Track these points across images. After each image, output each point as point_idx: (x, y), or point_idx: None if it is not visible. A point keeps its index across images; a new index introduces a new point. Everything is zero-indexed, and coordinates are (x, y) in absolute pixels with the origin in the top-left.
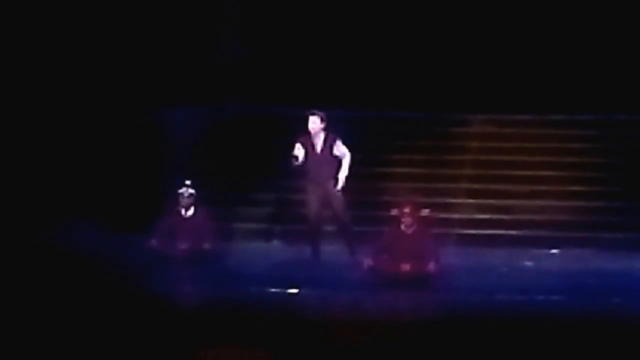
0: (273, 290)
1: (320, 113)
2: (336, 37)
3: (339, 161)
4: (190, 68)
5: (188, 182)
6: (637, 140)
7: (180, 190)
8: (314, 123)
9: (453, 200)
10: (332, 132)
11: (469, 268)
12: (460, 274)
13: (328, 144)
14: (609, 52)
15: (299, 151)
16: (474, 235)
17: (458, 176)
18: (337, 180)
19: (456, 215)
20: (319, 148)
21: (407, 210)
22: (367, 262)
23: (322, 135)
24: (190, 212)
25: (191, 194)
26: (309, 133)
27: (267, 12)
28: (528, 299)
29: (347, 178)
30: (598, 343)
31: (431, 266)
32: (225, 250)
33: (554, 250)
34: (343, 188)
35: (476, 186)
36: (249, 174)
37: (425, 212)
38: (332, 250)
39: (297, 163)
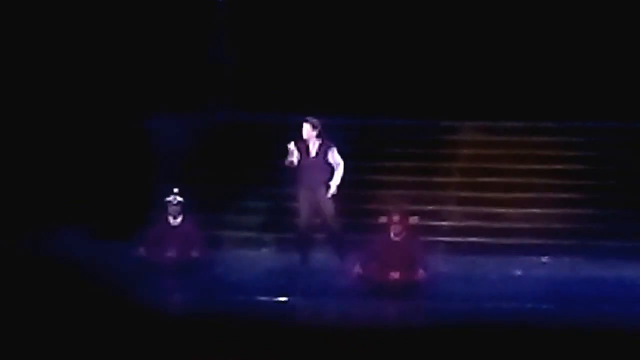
0: (262, 298)
1: (313, 120)
2: (324, 44)
3: (332, 169)
4: (179, 75)
5: (176, 190)
6: (627, 147)
7: (168, 198)
8: (307, 130)
9: (442, 208)
10: (328, 139)
11: (458, 276)
12: (450, 282)
13: (322, 151)
14: (598, 59)
15: (293, 152)
16: (463, 243)
17: (447, 184)
18: (328, 187)
19: (445, 223)
20: (312, 154)
21: (395, 218)
22: (356, 270)
23: (316, 142)
24: (179, 220)
25: (179, 202)
26: (304, 139)
27: (256, 21)
28: (517, 308)
29: (338, 186)
30: (588, 352)
31: (420, 274)
32: (213, 259)
33: (543, 258)
34: (334, 196)
35: (465, 194)
36: (238, 181)
37: (414, 219)
38: (321, 258)
39: (291, 159)
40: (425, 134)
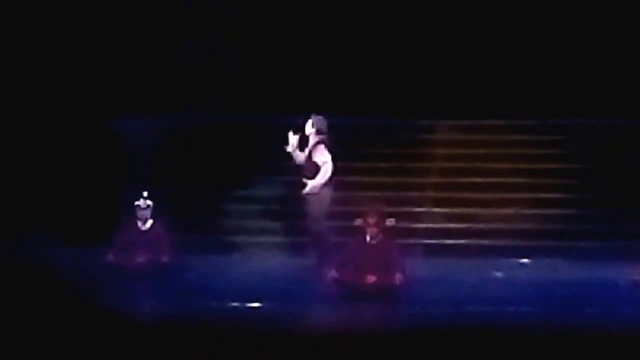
0: (234, 304)
1: (314, 117)
2: (298, 44)
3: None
4: (149, 76)
5: (145, 194)
6: (608, 145)
7: (137, 202)
8: (307, 127)
9: (419, 210)
10: (323, 137)
11: (436, 279)
12: (428, 286)
13: (312, 149)
14: (577, 56)
15: (293, 142)
16: (441, 245)
17: (424, 184)
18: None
19: (423, 225)
20: (307, 151)
21: (371, 220)
22: (331, 274)
23: (313, 140)
24: (148, 224)
25: (148, 206)
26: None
27: (228, 21)
28: (498, 311)
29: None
30: (570, 354)
31: (397, 278)
32: (184, 264)
33: (524, 260)
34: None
35: (443, 195)
36: (210, 185)
37: (390, 222)
38: (295, 262)
39: (289, 149)
40: (402, 133)
